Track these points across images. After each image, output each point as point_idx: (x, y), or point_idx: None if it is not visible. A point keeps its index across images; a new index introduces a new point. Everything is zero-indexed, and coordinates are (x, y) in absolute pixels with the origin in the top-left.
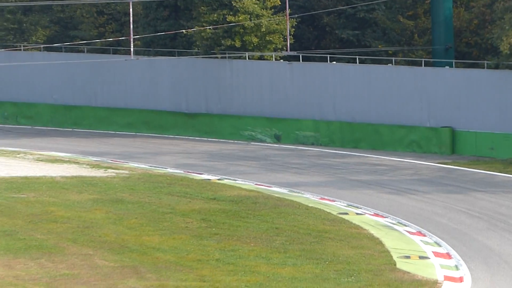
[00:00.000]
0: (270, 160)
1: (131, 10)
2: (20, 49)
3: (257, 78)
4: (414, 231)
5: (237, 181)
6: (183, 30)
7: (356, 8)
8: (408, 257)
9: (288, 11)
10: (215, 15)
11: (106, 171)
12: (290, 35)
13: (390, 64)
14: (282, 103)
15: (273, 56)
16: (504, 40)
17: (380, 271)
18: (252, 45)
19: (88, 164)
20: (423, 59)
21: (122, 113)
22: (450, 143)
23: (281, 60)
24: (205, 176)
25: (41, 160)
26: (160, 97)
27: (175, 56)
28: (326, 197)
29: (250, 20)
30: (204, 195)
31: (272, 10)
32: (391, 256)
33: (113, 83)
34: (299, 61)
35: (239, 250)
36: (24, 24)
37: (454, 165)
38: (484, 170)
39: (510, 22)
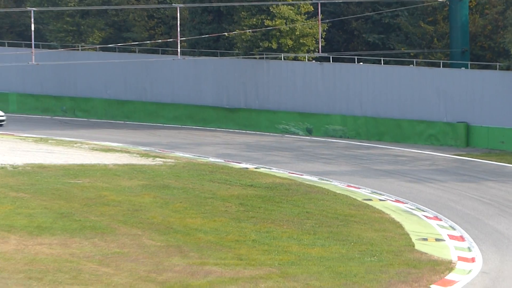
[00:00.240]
0: (302, 151)
1: (178, 14)
2: (78, 49)
3: (291, 77)
4: (431, 216)
5: (272, 170)
6: (225, 33)
7: (382, 14)
8: (425, 239)
9: (320, 16)
10: (254, 19)
11: (154, 160)
12: (321, 38)
13: (412, 65)
14: (313, 100)
15: (306, 57)
16: None
17: (400, 252)
18: (287, 47)
19: (138, 153)
20: (441, 61)
21: (169, 107)
22: (465, 137)
23: (313, 61)
24: (243, 165)
25: (96, 150)
26: (203, 93)
27: (217, 56)
28: (352, 185)
29: (286, 24)
30: (242, 182)
31: (306, 15)
32: (410, 239)
33: (161, 80)
34: (330, 62)
35: (273, 232)
36: (82, 27)
37: (468, 157)
38: (496, 161)
39: None
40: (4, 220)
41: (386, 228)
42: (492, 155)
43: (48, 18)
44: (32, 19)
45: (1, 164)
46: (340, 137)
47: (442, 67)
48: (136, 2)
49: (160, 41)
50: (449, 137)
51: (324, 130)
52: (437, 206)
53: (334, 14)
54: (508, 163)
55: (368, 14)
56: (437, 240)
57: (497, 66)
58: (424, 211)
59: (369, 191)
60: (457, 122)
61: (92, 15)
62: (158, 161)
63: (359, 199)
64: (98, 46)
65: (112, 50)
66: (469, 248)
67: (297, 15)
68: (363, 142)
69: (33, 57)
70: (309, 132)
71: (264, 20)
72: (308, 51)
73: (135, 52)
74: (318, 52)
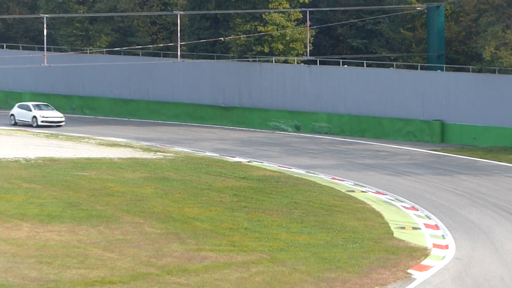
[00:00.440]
0: (291, 146)
1: (178, 21)
2: (87, 53)
3: (281, 78)
4: (408, 206)
5: (263, 163)
6: (221, 38)
7: (365, 21)
8: (403, 227)
9: (308, 23)
10: (248, 25)
11: (155, 154)
12: (309, 43)
13: (392, 68)
14: (302, 99)
15: (295, 60)
16: (487, 49)
17: (380, 239)
18: (278, 51)
19: (140, 148)
20: (419, 64)
21: (169, 106)
22: (440, 134)
23: (302, 64)
24: (237, 159)
25: (102, 144)
26: (201, 93)
27: (214, 59)
28: (336, 177)
29: (277, 30)
30: (235, 175)
31: (295, 22)
32: (389, 227)
33: (163, 81)
34: (317, 64)
35: (263, 221)
36: (90, 32)
37: (443, 152)
38: (468, 156)
39: (491, 34)
40: (17, 209)
41: (367, 217)
42: (465, 151)
43: (59, 24)
44: (45, 25)
45: (15, 157)
46: (326, 133)
47: (420, 69)
48: (140, 9)
49: (161, 45)
50: (426, 134)
51: (311, 127)
52: (414, 197)
53: (321, 21)
54: (479, 158)
55: (353, 21)
56: (414, 228)
57: (470, 69)
58: (402, 201)
59: (352, 183)
60: (433, 120)
61: (99, 21)
62: (159, 155)
63: (343, 190)
64: (104, 50)
65: (118, 53)
66: (443, 236)
67: (287, 22)
68: (346, 138)
69: (45, 59)
70: (297, 128)
71: (257, 26)
72: (297, 55)
73: (138, 55)
74: (307, 55)
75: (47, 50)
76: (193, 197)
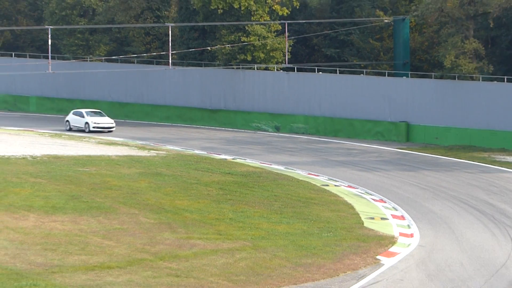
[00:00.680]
0: (271, 145)
1: (170, 32)
2: (87, 60)
3: (262, 83)
4: (377, 198)
5: (246, 160)
6: (209, 48)
7: (338, 32)
8: (372, 218)
9: (286, 34)
10: (233, 36)
11: (149, 152)
12: (288, 52)
13: (362, 75)
14: (281, 103)
15: (275, 67)
16: (447, 58)
17: (351, 228)
18: (259, 59)
19: (136, 146)
20: (386, 71)
21: (162, 109)
22: (406, 134)
23: (281, 71)
24: (222, 156)
25: (101, 143)
26: (190, 97)
27: (202, 66)
28: (312, 173)
29: (259, 41)
30: (221, 170)
31: (275, 33)
32: (360, 217)
33: (156, 86)
34: (295, 71)
35: (247, 212)
36: (90, 42)
37: (408, 150)
38: (431, 154)
39: (452, 44)
40: (25, 201)
41: (340, 209)
42: (428, 149)
43: (63, 34)
44: (49, 36)
45: (23, 155)
46: (303, 133)
47: (387, 76)
48: (135, 21)
49: (155, 54)
50: (393, 134)
51: (289, 127)
52: (383, 190)
53: (298, 32)
54: (441, 155)
55: (327, 32)
56: (382, 219)
57: (433, 76)
58: (372, 194)
59: (327, 178)
60: (399, 121)
61: (99, 32)
62: (153, 153)
63: (318, 184)
64: (103, 58)
65: (115, 61)
66: (408, 225)
67: (268, 33)
68: (321, 138)
69: (50, 66)
70: (277, 129)
71: (241, 37)
72: (277, 63)
73: (134, 63)
74: (285, 63)
75: (51, 58)
76: (183, 191)
